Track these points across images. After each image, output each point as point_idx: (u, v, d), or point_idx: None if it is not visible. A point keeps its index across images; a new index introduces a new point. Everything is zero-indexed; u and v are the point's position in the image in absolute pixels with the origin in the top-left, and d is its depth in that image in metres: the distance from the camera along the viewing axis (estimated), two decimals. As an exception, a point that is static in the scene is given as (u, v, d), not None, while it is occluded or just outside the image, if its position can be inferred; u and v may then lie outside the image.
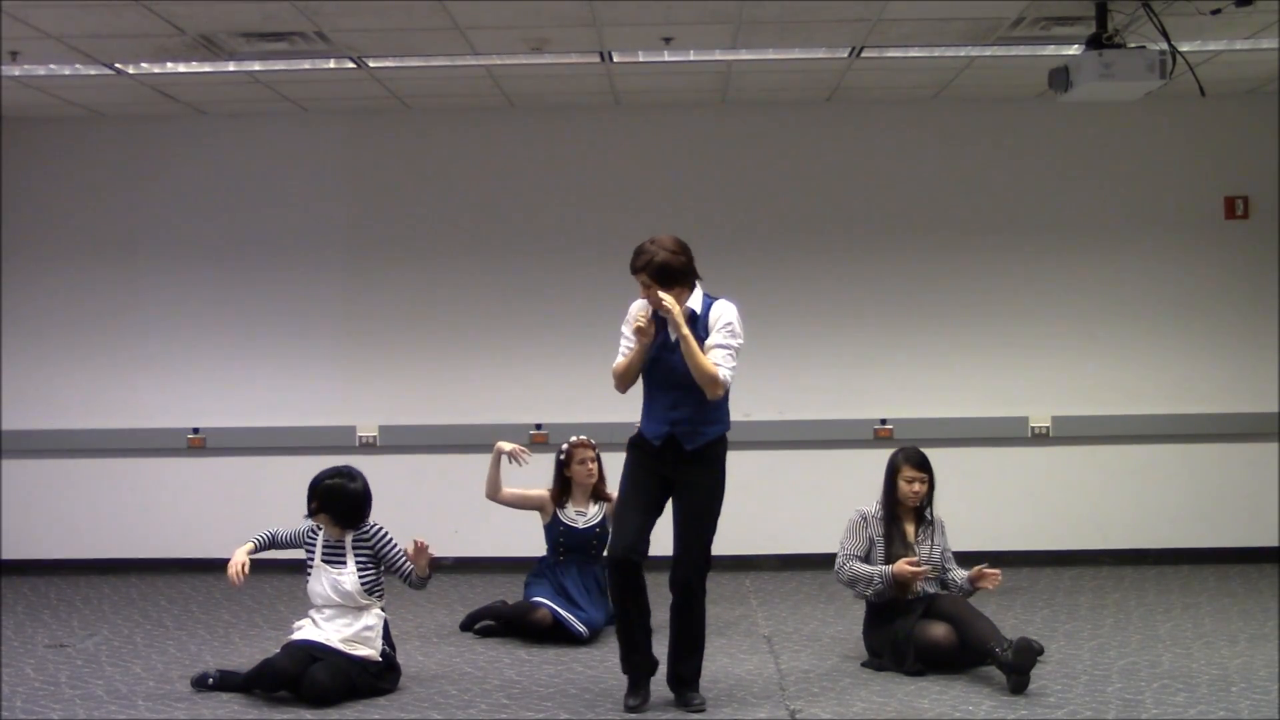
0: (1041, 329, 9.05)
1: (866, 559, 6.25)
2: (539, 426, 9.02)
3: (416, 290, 9.16)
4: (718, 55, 7.81)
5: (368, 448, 9.06)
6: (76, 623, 7.54)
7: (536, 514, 7.22)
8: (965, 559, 6.49)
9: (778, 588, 8.36)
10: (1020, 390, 9.04)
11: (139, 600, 8.19)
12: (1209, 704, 5.49)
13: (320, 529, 6.01)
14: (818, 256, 9.09)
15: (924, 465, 6.32)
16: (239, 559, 5.92)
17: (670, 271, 5.34)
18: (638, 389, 5.56)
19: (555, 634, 6.82)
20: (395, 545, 6.00)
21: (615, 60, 7.86)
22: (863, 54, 7.76)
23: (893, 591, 6.17)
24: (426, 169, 9.20)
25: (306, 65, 7.83)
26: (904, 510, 6.29)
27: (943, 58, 7.91)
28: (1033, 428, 9.03)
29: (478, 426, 9.01)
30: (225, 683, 5.88)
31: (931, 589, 6.27)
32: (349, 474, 6.03)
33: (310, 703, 5.62)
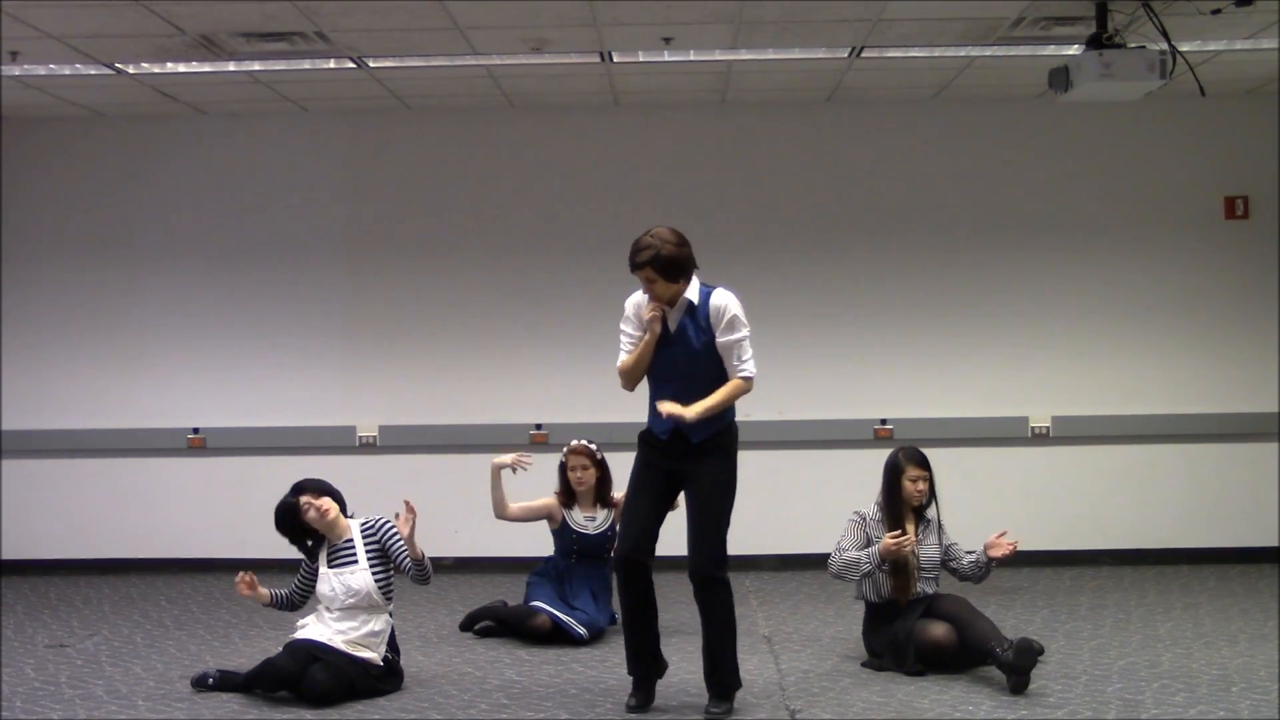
0: (1041, 329, 9.05)
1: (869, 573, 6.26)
2: (539, 426, 9.02)
3: (416, 290, 9.17)
4: (718, 55, 7.81)
5: (368, 448, 9.06)
6: (76, 623, 7.54)
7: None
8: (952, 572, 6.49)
9: (778, 588, 8.36)
10: (1020, 390, 9.04)
11: (139, 600, 8.19)
12: (1209, 704, 5.49)
13: (313, 549, 6.00)
14: (818, 256, 9.09)
15: (925, 463, 6.32)
16: (252, 581, 5.93)
17: (675, 265, 5.29)
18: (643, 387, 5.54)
19: (555, 637, 6.81)
20: (400, 540, 5.99)
21: (615, 60, 7.86)
22: (863, 54, 7.76)
23: (890, 591, 6.17)
24: (426, 169, 9.20)
25: (306, 65, 7.83)
26: (905, 510, 6.29)
27: (943, 58, 7.91)
28: (1033, 428, 9.03)
29: (478, 426, 9.02)
30: (225, 683, 5.89)
31: (931, 589, 6.27)
32: (282, 502, 5.98)
33: (310, 703, 5.62)
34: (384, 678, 5.88)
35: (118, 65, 7.74)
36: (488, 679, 6.13)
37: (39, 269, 9.21)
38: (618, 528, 6.14)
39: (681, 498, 5.55)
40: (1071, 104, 7.86)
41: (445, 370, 9.14)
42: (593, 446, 7.13)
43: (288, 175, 9.23)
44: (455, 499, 8.66)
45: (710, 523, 5.41)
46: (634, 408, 5.68)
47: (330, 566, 5.93)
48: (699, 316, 5.38)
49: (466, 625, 7.22)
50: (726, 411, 5.41)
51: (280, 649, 5.88)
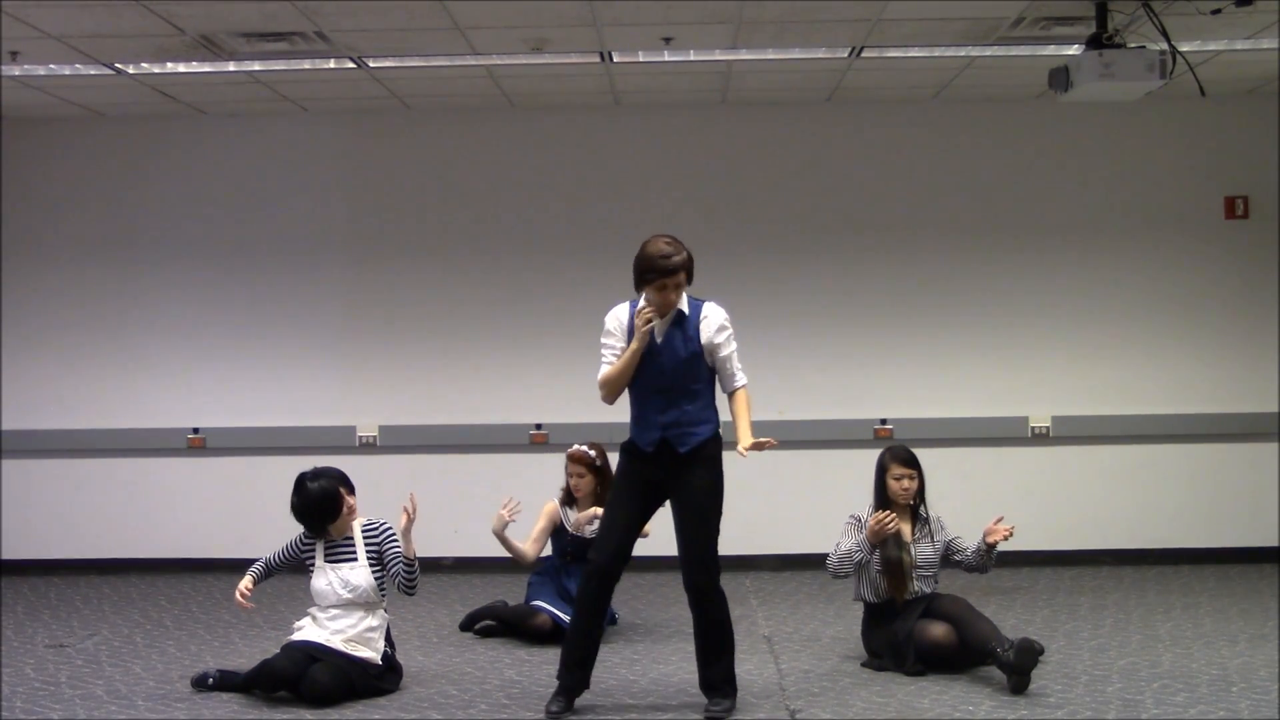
0: (1041, 329, 9.05)
1: (864, 563, 6.26)
2: (539, 426, 9.02)
3: (416, 290, 9.16)
4: (718, 55, 7.81)
5: (368, 448, 9.06)
6: (76, 623, 7.54)
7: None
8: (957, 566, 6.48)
9: (778, 588, 8.36)
10: (1020, 390, 9.04)
11: (139, 600, 8.19)
12: (1209, 704, 5.49)
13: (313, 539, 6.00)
14: (818, 256, 9.09)
15: (911, 462, 6.30)
16: (241, 587, 5.92)
17: (690, 269, 5.40)
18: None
19: (556, 636, 6.80)
20: (397, 547, 5.99)
21: (615, 60, 7.86)
22: (863, 54, 7.76)
23: (886, 590, 6.17)
24: (426, 169, 9.20)
25: (306, 65, 7.83)
26: (898, 509, 6.28)
27: (943, 58, 7.91)
28: (1033, 428, 9.03)
29: (478, 426, 9.02)
30: (225, 683, 5.89)
31: (929, 588, 6.27)
32: (300, 485, 5.95)
33: (310, 703, 5.62)
34: (383, 676, 5.88)
35: (118, 65, 7.74)
36: (488, 679, 6.13)
37: (39, 269, 9.21)
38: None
39: (649, 526, 5.59)
40: (1071, 104, 7.86)
41: (445, 370, 9.14)
42: (591, 453, 7.12)
43: (288, 175, 9.23)
44: (455, 499, 8.67)
45: (701, 532, 5.42)
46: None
47: (327, 561, 5.94)
48: (687, 326, 5.41)
49: (466, 625, 7.23)
50: (709, 422, 5.46)
51: (279, 650, 5.88)
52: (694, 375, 5.42)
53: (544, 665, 6.35)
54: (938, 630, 6.01)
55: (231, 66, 7.77)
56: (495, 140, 9.19)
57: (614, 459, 6.89)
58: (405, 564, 5.90)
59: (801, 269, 9.08)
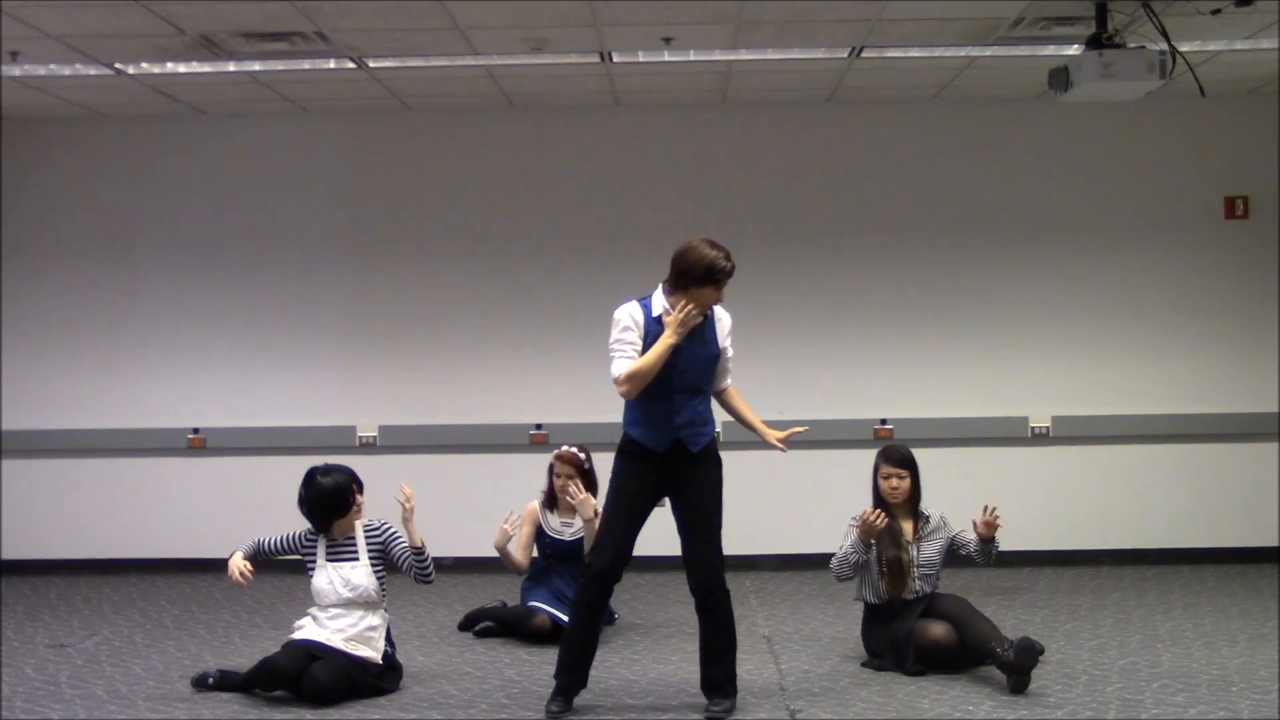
0: (1041, 329, 9.05)
1: (864, 563, 6.25)
2: (539, 426, 9.02)
3: (416, 290, 9.17)
4: (718, 55, 7.81)
5: (368, 448, 9.06)
6: (76, 623, 7.54)
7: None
8: (966, 560, 6.48)
9: (778, 588, 8.36)
10: (1020, 390, 9.04)
11: (139, 600, 8.19)
12: (1209, 704, 5.49)
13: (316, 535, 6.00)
14: (818, 256, 9.09)
15: (903, 462, 6.30)
16: (237, 563, 5.91)
17: None
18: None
19: (555, 636, 6.80)
20: (403, 542, 6.00)
21: (615, 60, 7.86)
22: (863, 54, 7.76)
23: (885, 590, 6.17)
24: (426, 169, 9.20)
25: (306, 65, 7.83)
26: (896, 509, 6.28)
27: (943, 58, 7.91)
28: (1033, 428, 9.03)
29: (478, 426, 9.02)
30: (225, 683, 5.88)
31: (930, 587, 6.27)
32: (311, 478, 5.95)
33: (310, 702, 5.62)
34: (383, 675, 5.88)
35: (118, 65, 7.74)
36: (488, 679, 6.14)
37: (39, 269, 9.21)
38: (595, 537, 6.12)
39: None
40: (1071, 104, 7.87)
41: (445, 370, 9.14)
42: (581, 456, 7.11)
43: (288, 175, 9.23)
44: (455, 499, 8.67)
45: (711, 533, 5.43)
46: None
47: (329, 560, 5.94)
48: (707, 325, 5.44)
49: (466, 625, 7.22)
50: (711, 420, 5.50)
51: (279, 649, 5.88)
52: (709, 376, 5.49)
53: (543, 665, 6.35)
54: (938, 630, 6.01)
55: (231, 66, 7.77)
56: (495, 140, 9.19)
57: (603, 460, 6.91)
58: (415, 552, 5.92)
59: (801, 269, 9.08)
